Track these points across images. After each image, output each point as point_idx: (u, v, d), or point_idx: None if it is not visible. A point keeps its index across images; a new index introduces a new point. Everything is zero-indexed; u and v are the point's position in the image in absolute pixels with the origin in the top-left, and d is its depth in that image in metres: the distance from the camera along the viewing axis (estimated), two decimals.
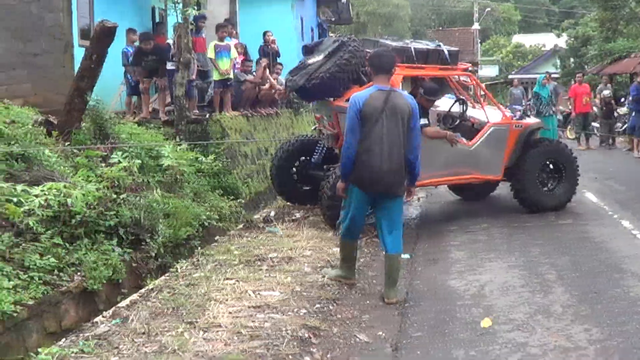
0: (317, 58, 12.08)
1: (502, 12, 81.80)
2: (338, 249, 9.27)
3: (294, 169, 13.26)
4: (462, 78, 13.39)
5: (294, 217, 12.61)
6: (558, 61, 49.90)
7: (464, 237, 11.53)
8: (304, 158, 13.16)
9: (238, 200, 13.84)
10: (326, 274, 8.87)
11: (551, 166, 13.43)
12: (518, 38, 77.02)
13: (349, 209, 8.33)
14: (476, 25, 64.67)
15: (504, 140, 12.71)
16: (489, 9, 73.48)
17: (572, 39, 47.23)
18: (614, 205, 14.04)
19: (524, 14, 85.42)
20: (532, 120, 13.81)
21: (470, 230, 11.99)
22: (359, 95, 8.11)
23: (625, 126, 26.57)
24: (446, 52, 12.63)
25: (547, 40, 66.51)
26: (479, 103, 13.28)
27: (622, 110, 28.35)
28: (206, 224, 12.06)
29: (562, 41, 52.09)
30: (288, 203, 13.80)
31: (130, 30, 16.03)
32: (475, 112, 13.30)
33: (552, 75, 46.08)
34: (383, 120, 7.90)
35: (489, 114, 12.83)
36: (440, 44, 13.18)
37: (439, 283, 9.00)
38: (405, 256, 9.95)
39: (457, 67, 13.01)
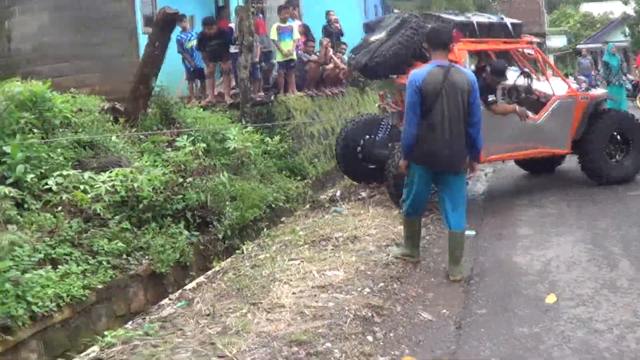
0: (379, 35, 12.02)
1: None
2: (402, 227, 9.27)
3: (359, 148, 13.08)
4: (526, 51, 13.16)
5: (360, 196, 12.56)
6: (627, 29, 48.89)
7: (531, 212, 11.36)
8: (368, 136, 13.00)
9: (305, 181, 13.93)
10: (391, 252, 8.88)
11: (619, 137, 13.18)
12: (586, 7, 75.78)
13: (411, 187, 8.30)
14: None
15: (570, 113, 12.50)
16: None
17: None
18: None
19: None
20: (598, 91, 13.59)
21: (537, 205, 11.80)
22: (417, 72, 8.07)
23: None
24: (509, 25, 12.48)
25: (616, 8, 65.44)
26: (544, 75, 13.07)
27: None
28: (273, 205, 12.18)
29: (631, 8, 51.20)
30: (354, 182, 13.72)
31: (180, 17, 15.91)
32: (540, 85, 13.13)
33: (621, 44, 45.74)
34: (443, 97, 7.84)
35: (555, 87, 12.62)
36: (503, 16, 13.02)
37: (504, 259, 8.91)
38: (471, 232, 9.89)
39: (521, 39, 12.83)
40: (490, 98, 11.66)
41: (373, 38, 12.06)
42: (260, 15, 17.43)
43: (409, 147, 8.06)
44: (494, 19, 12.78)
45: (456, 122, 7.91)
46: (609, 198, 11.95)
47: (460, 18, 12.21)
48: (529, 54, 13.27)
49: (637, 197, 11.95)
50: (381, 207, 11.47)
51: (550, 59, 58.85)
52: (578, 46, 49.33)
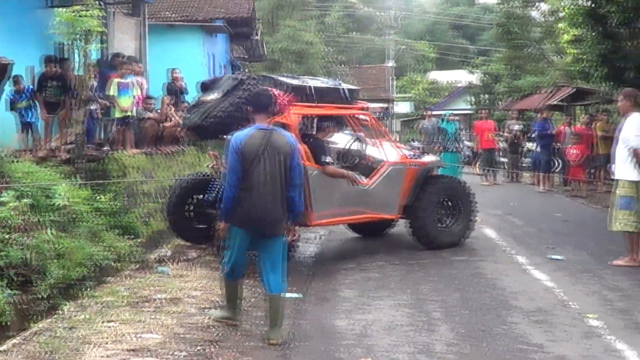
0: (214, 95, 11.99)
1: (418, 50, 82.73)
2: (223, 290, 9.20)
3: (190, 207, 13.03)
4: (360, 117, 13.38)
5: (188, 257, 12.42)
6: (471, 97, 50.47)
7: (357, 276, 11.44)
8: (200, 196, 12.91)
9: (137, 240, 13.66)
10: (211, 315, 8.75)
11: (448, 203, 13.53)
12: (433, 74, 77.93)
13: (231, 249, 8.21)
14: (390, 63, 65.24)
15: (400, 179, 12.79)
16: (403, 46, 74.11)
17: (485, 76, 47.94)
18: (510, 240, 14.27)
19: (439, 52, 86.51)
20: (428, 158, 13.93)
21: (364, 268, 11.92)
22: (238, 134, 8.06)
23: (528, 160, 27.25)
24: (345, 90, 12.69)
25: (462, 77, 67.45)
26: (377, 141, 13.29)
27: (529, 145, 28.86)
28: (102, 264, 11.85)
29: (475, 77, 52.89)
30: (185, 242, 13.57)
31: (17, 78, 15.30)
32: (372, 151, 13.35)
33: (465, 112, 47.16)
34: (263, 160, 7.86)
35: (386, 153, 12.88)
36: (340, 82, 13.21)
37: (325, 322, 8.89)
38: (296, 295, 9.93)
39: (355, 105, 13.05)
40: (328, 159, 11.81)
41: (208, 98, 12.02)
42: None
43: (229, 209, 8.02)
44: (329, 83, 12.94)
45: (276, 185, 7.93)
46: (435, 262, 12.20)
47: (295, 81, 12.31)
48: (362, 120, 13.49)
49: (463, 261, 12.26)
50: (208, 269, 11.34)
51: (397, 124, 60.32)
52: (426, 111, 50.60)
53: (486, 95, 47.89)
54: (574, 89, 30.35)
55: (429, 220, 13.09)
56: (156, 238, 14.81)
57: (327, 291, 10.49)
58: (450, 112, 25.54)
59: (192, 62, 26.53)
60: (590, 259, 12.39)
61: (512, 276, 11.19)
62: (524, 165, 28.03)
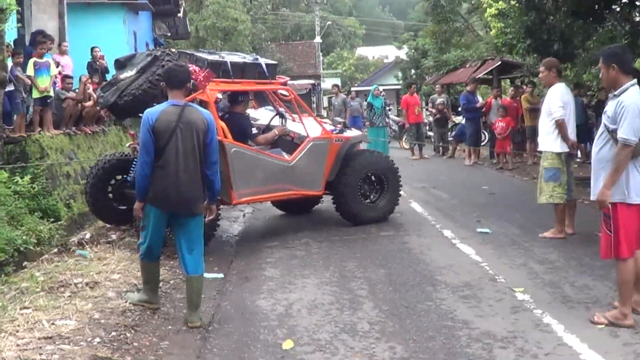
0: (129, 73, 11.65)
1: (348, 26, 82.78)
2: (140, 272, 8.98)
3: (110, 188, 12.69)
4: (280, 92, 13.16)
5: (109, 239, 12.07)
6: (400, 73, 50.55)
7: (281, 253, 11.26)
8: (120, 177, 12.64)
9: (58, 223, 13.29)
10: (129, 298, 8.49)
11: (373, 178, 13.41)
12: (361, 50, 78.06)
13: (147, 230, 7.95)
14: (318, 39, 65.05)
15: (324, 155, 12.62)
16: (329, 22, 74.01)
17: (412, 51, 48.00)
18: (437, 214, 14.20)
19: (367, 28, 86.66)
20: (352, 133, 13.77)
21: (289, 246, 11.74)
22: (151, 111, 7.79)
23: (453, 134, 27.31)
24: (264, 66, 12.43)
25: (390, 52, 67.70)
26: (299, 117, 13.10)
27: (457, 118, 28.94)
28: (22, 248, 11.50)
29: (403, 53, 52.98)
30: (106, 224, 13.23)
31: None
32: (294, 126, 13.16)
33: (394, 87, 47.25)
34: (177, 136, 7.61)
35: (309, 128, 12.70)
36: (258, 57, 12.93)
37: (248, 303, 8.69)
38: (218, 275, 9.76)
39: (276, 81, 12.81)
40: (254, 130, 11.73)
41: (123, 75, 11.68)
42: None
43: (143, 188, 7.74)
44: (248, 58, 12.64)
45: (191, 163, 7.69)
46: (360, 239, 12.10)
47: (213, 57, 12.03)
48: (283, 95, 13.28)
49: (388, 237, 12.16)
50: (129, 250, 11.01)
51: (325, 100, 60.18)
52: (352, 88, 50.49)
53: (413, 71, 47.87)
54: (500, 62, 30.44)
55: (354, 196, 12.98)
56: (79, 220, 14.44)
57: (250, 270, 10.30)
58: (376, 86, 25.31)
59: (115, 40, 25.96)
60: (518, 231, 12.34)
61: (438, 250, 11.10)
62: (450, 138, 28.00)
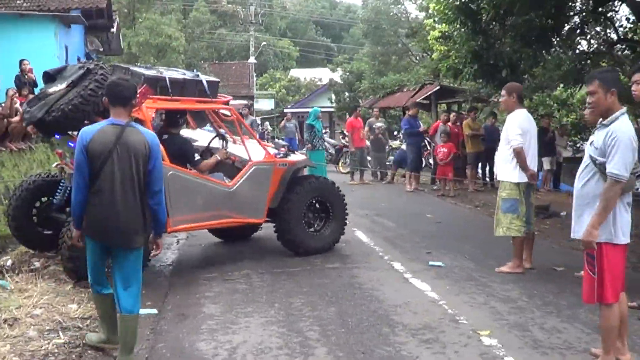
0: (59, 87, 10.60)
1: (281, 48, 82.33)
2: (75, 306, 8.04)
3: (35, 211, 11.66)
4: (222, 112, 12.29)
5: (32, 267, 10.95)
6: (333, 95, 50.11)
7: (221, 287, 10.30)
8: (45, 199, 11.64)
9: None
10: (88, 340, 7.52)
11: (317, 205, 12.60)
12: (294, 72, 77.58)
13: (88, 260, 7.05)
14: (252, 59, 64.31)
15: (267, 180, 11.78)
16: (264, 43, 73.46)
17: (347, 74, 47.69)
18: (384, 244, 13.39)
19: (302, 49, 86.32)
20: (297, 157, 12.94)
21: (229, 278, 10.80)
22: (86, 130, 6.86)
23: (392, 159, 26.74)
24: (205, 83, 11.53)
25: (324, 75, 67.34)
26: (240, 139, 12.24)
27: (395, 143, 28.43)
28: None
29: (337, 75, 52.66)
30: (29, 250, 12.04)
31: None
32: (236, 149, 12.29)
33: (327, 109, 46.76)
34: (113, 160, 6.69)
35: (251, 152, 11.84)
36: (199, 73, 12.01)
37: (186, 345, 7.73)
38: (152, 311, 8.84)
39: (217, 99, 11.92)
40: (197, 157, 11.01)
41: (52, 89, 10.63)
42: None
43: (77, 216, 6.87)
44: (188, 75, 11.71)
45: (129, 191, 6.76)
46: (305, 270, 11.22)
47: (150, 72, 11.11)
48: (224, 115, 12.41)
49: (335, 269, 11.32)
50: (54, 281, 9.99)
51: (258, 121, 59.44)
52: (285, 110, 49.82)
53: (347, 94, 47.49)
54: (439, 87, 30.04)
55: (298, 224, 12.12)
56: (3, 243, 13.37)
57: (187, 306, 9.31)
58: (318, 108, 24.59)
59: (46, 53, 25.06)
60: (471, 264, 11.63)
61: (391, 286, 10.26)
62: (387, 163, 27.37)
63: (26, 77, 19.54)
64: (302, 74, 74.58)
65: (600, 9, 17.88)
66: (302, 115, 46.04)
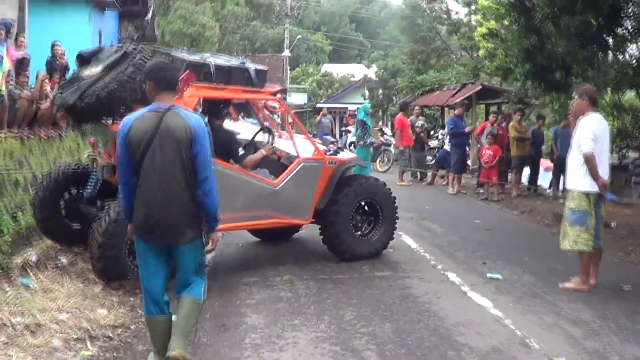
0: (94, 70, 9.76)
1: (315, 41, 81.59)
2: (104, 311, 7.24)
3: (63, 203, 10.93)
4: (270, 103, 11.42)
5: (59, 263, 10.13)
6: (367, 91, 49.35)
7: (263, 294, 9.48)
8: (75, 190, 10.91)
9: (2, 238, 11.44)
10: None
11: (366, 207, 11.76)
12: (327, 67, 76.81)
13: (141, 270, 6.33)
14: (286, 52, 63.48)
15: (315, 179, 10.99)
16: (299, 36, 72.70)
17: (382, 70, 46.97)
18: (435, 251, 12.53)
19: (335, 44, 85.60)
20: (347, 155, 12.10)
21: (271, 284, 9.99)
22: (126, 118, 6.14)
23: (434, 160, 25.84)
24: (252, 72, 10.67)
25: (357, 71, 66.67)
26: (287, 133, 11.42)
27: (433, 143, 27.57)
28: None
29: (372, 72, 52.01)
30: (56, 244, 11.28)
31: None
32: (282, 144, 11.46)
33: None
34: (155, 148, 5.99)
35: (300, 147, 11.03)
36: (246, 61, 11.15)
37: None
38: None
39: (265, 90, 11.03)
40: (241, 151, 10.16)
41: (86, 73, 9.80)
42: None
43: (126, 210, 6.23)
44: (234, 62, 10.83)
45: (174, 181, 6.07)
46: (353, 279, 10.39)
47: (194, 57, 10.28)
48: (273, 107, 11.56)
49: (385, 278, 10.48)
50: (82, 281, 9.20)
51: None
52: (318, 105, 49.06)
53: (381, 91, 46.78)
54: (480, 87, 29.14)
55: (345, 227, 11.30)
56: (27, 235, 12.53)
57: (227, 315, 8.48)
58: (369, 104, 23.63)
59: (79, 38, 24.07)
60: (531, 278, 10.73)
61: (449, 300, 9.39)
62: (428, 164, 26.48)
63: (58, 61, 18.77)
64: (335, 69, 73.81)
65: None
66: (334, 111, 45.34)
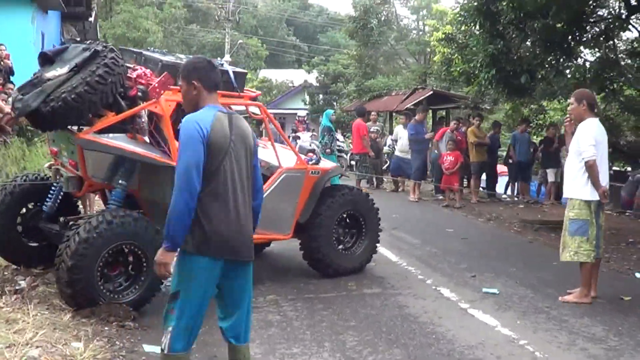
0: (59, 71, 8.79)
1: (252, 46, 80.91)
2: (80, 345, 6.43)
3: (19, 219, 9.90)
4: (251, 109, 10.54)
5: (17, 287, 8.95)
6: (307, 97, 48.95)
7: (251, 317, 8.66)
8: (32, 205, 9.95)
9: None
10: None
11: (348, 220, 11.08)
12: (265, 73, 76.12)
13: (185, 297, 5.31)
14: (227, 57, 62.68)
15: (298, 190, 10.29)
16: (240, 41, 71.99)
17: (323, 76, 46.62)
18: (418, 264, 11.92)
19: (272, 49, 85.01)
20: (328, 164, 11.41)
21: (256, 305, 8.95)
22: (200, 117, 5.27)
23: (387, 165, 25.37)
24: (231, 74, 9.88)
25: (296, 76, 66.31)
26: (269, 141, 10.67)
27: (385, 149, 27.11)
28: None
29: (312, 77, 51.73)
30: (11, 264, 10.12)
31: None
32: (263, 153, 10.68)
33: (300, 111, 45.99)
34: (231, 154, 5.32)
35: (281, 156, 10.33)
36: (224, 62, 10.31)
37: None
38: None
39: (245, 94, 10.29)
40: None
41: (51, 74, 8.81)
42: None
43: (182, 229, 5.14)
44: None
45: (246, 191, 5.47)
46: (342, 297, 9.68)
47: (168, 58, 9.49)
48: (253, 113, 10.77)
49: (376, 296, 9.79)
50: (47, 307, 8.12)
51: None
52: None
53: (322, 96, 46.48)
54: (431, 92, 28.86)
55: (328, 241, 10.61)
56: None
57: (217, 345, 7.44)
58: (333, 111, 22.97)
59: (22, 40, 23.48)
60: (528, 292, 10.18)
61: (451, 319, 8.74)
62: (384, 169, 25.94)
63: (2, 63, 17.87)
64: (273, 75, 73.22)
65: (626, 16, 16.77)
66: (277, 117, 44.91)
